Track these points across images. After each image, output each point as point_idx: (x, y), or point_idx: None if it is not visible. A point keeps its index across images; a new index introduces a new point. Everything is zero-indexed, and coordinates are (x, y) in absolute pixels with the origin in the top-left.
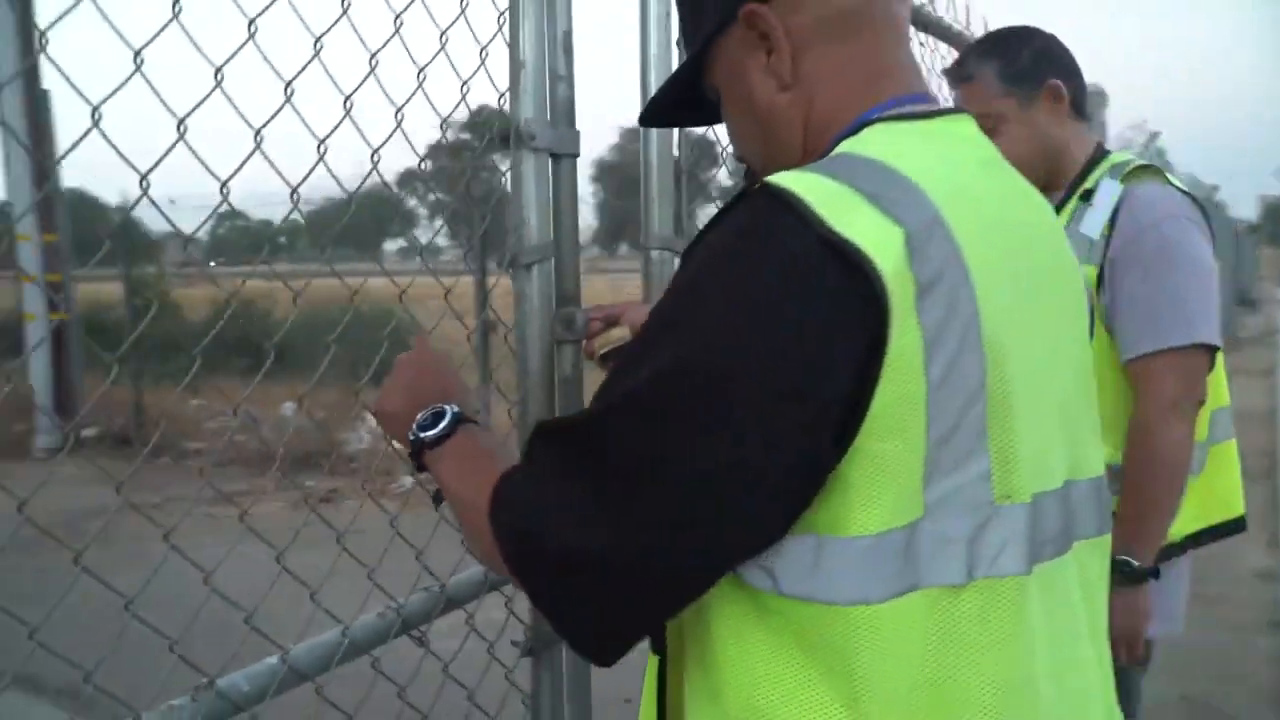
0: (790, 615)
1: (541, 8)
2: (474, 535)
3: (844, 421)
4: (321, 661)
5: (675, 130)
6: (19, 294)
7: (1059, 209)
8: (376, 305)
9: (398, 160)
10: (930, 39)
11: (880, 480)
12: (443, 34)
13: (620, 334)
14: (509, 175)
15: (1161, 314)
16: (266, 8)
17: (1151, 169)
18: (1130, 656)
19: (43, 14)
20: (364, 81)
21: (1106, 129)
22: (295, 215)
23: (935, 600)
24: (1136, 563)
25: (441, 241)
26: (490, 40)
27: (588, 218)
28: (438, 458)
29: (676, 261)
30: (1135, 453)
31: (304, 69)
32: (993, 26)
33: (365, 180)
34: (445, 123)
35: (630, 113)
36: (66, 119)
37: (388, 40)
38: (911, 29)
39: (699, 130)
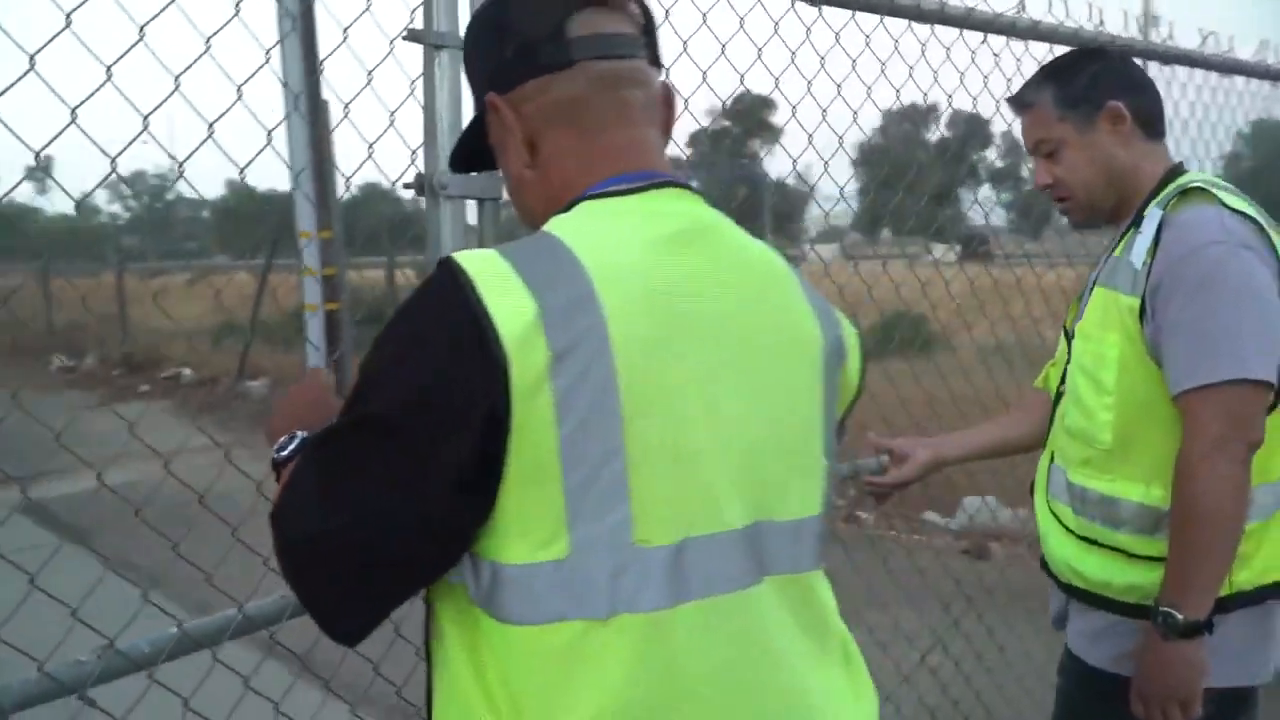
0: (477, 621)
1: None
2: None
3: (474, 478)
4: (213, 636)
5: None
6: (300, 287)
7: (1123, 236)
8: None
9: None
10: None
11: (527, 521)
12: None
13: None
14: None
15: (1206, 346)
16: None
17: (1202, 191)
18: (1186, 714)
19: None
20: None
21: None
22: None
23: (584, 630)
24: (1180, 616)
25: None
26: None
27: None
28: (279, 476)
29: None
30: (1177, 497)
31: None
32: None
33: None
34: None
35: None
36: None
37: None
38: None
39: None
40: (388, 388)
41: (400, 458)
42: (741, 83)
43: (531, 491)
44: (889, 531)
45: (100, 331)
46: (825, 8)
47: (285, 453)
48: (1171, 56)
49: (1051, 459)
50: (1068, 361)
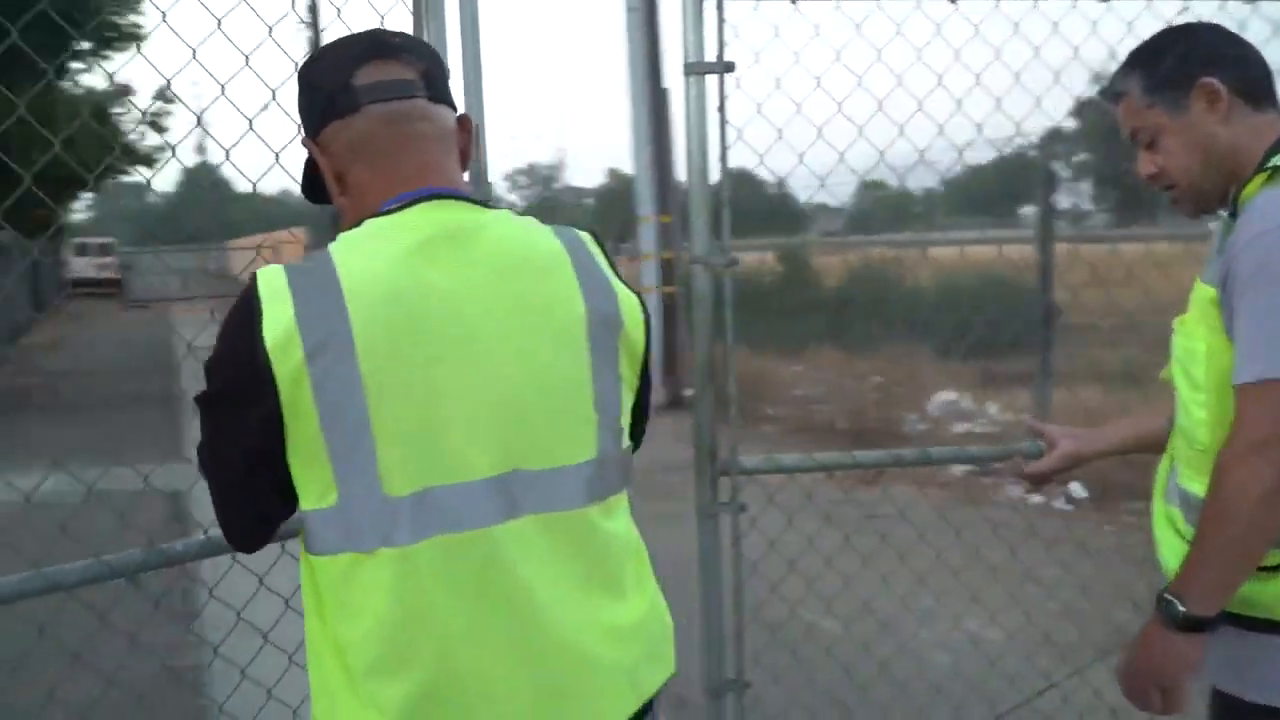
0: (312, 559)
1: None
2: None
3: (268, 445)
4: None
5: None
6: (638, 270)
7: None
8: (1000, 274)
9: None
10: None
11: (308, 479)
12: None
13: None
14: None
15: (1259, 340)
16: None
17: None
18: (1167, 705)
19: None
20: None
21: None
22: (934, 184)
23: (355, 560)
24: (1182, 608)
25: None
26: None
27: None
28: None
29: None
30: (1208, 490)
31: None
32: None
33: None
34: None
35: None
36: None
37: None
38: None
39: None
40: (210, 377)
41: (220, 427)
42: None
43: (306, 459)
44: None
45: None
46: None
47: None
48: None
49: (1171, 459)
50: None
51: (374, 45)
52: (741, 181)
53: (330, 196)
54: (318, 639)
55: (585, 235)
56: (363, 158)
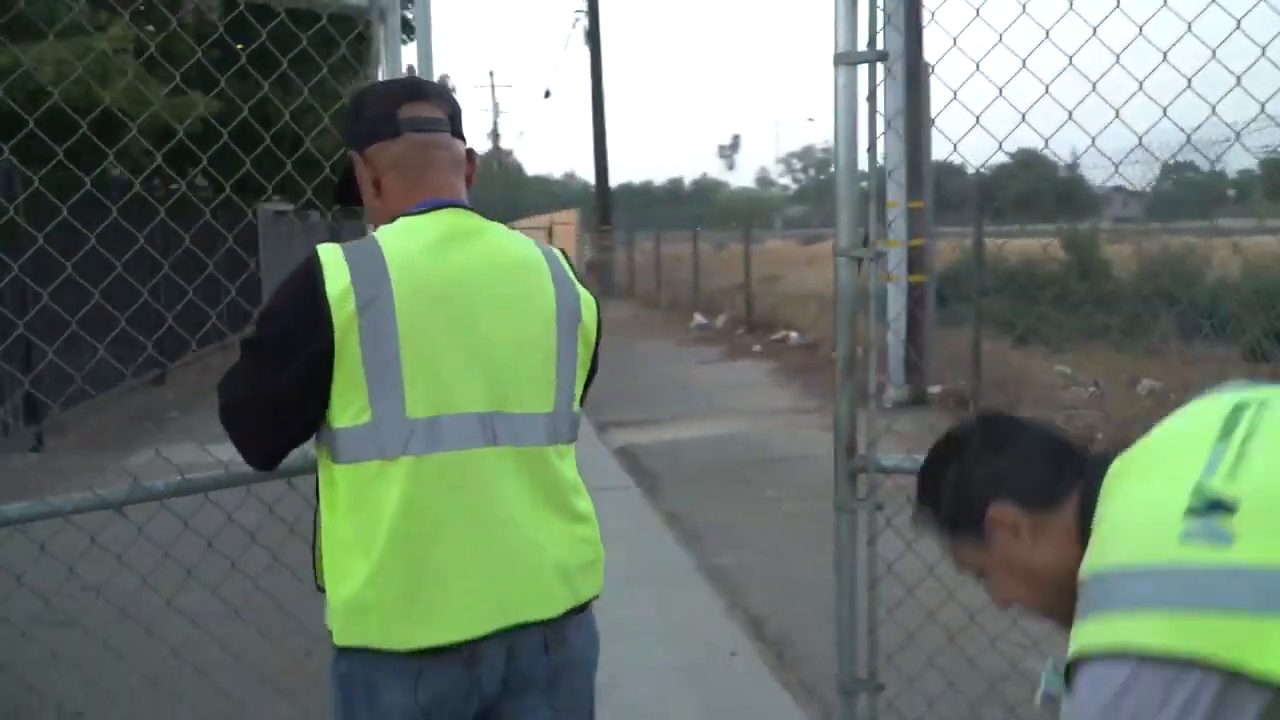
0: (335, 466)
1: None
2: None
3: (319, 374)
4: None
5: (862, 152)
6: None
7: None
8: None
9: None
10: None
11: (348, 402)
12: None
13: None
14: None
15: None
16: None
17: None
18: None
19: None
20: None
21: None
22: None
23: (382, 466)
24: None
25: None
26: None
27: None
28: None
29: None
30: None
31: None
32: None
33: None
34: None
35: None
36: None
37: None
38: None
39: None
40: (267, 323)
41: (275, 362)
42: None
43: (347, 387)
44: None
45: (734, 294)
46: None
47: None
48: None
49: None
50: None
51: (414, 89)
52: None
53: (363, 199)
54: (335, 526)
55: (559, 251)
56: (397, 171)
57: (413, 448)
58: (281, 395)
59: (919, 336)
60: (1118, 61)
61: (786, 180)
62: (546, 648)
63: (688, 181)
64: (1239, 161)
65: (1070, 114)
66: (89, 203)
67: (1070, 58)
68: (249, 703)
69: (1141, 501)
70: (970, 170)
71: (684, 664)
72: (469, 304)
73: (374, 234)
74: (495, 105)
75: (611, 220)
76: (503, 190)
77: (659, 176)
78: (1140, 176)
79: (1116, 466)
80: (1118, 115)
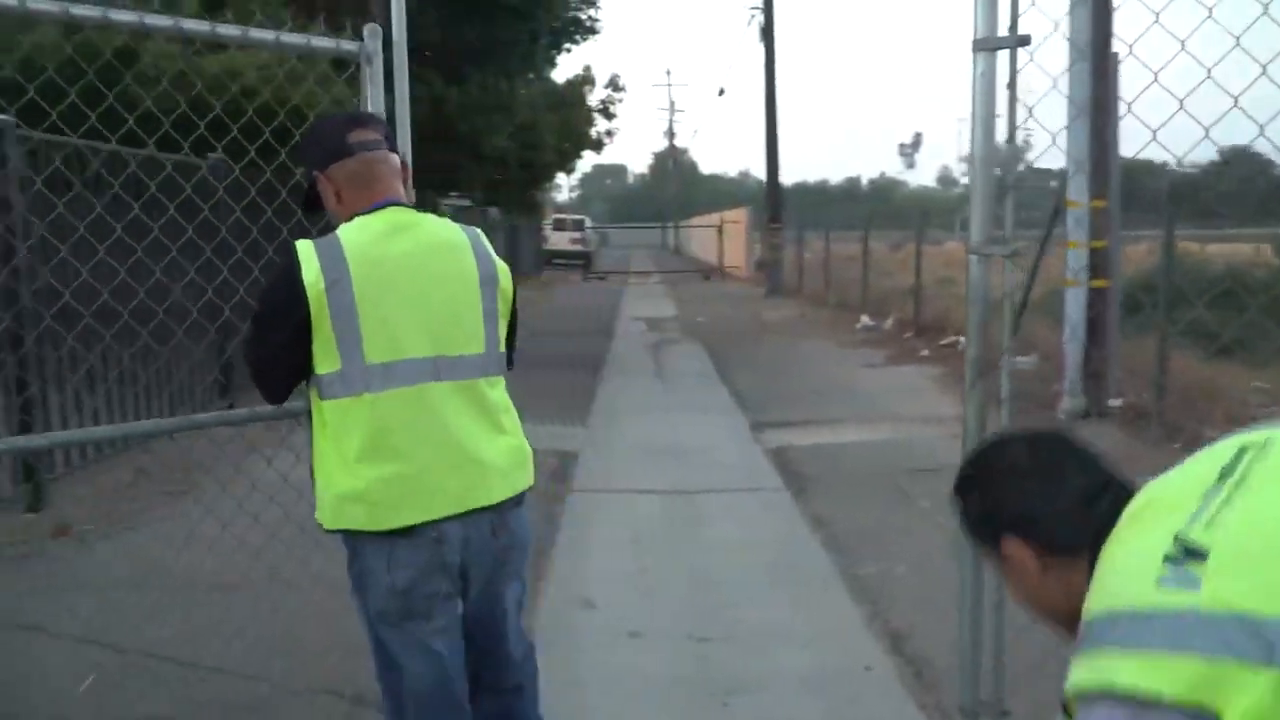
0: (321, 402)
1: None
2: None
3: (302, 336)
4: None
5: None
6: (1062, 259)
7: None
8: None
9: None
10: None
11: (323, 356)
12: None
13: None
14: None
15: None
16: None
17: None
18: None
19: None
20: None
21: None
22: None
23: (352, 401)
24: None
25: None
26: None
27: None
28: None
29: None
30: None
31: None
32: None
33: None
34: None
35: None
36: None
37: None
38: None
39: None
40: (264, 300)
41: (273, 326)
42: None
43: (323, 344)
44: None
45: (905, 296)
46: None
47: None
48: None
49: None
50: None
51: (356, 119)
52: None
53: (326, 206)
54: (323, 445)
55: (479, 230)
56: (351, 183)
57: (372, 387)
58: (278, 352)
59: (1101, 345)
60: None
61: (969, 180)
62: (494, 532)
63: (865, 180)
64: None
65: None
66: (280, 196)
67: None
68: None
69: (1134, 548)
70: (1172, 164)
71: (815, 673)
72: (411, 278)
73: (336, 231)
74: (671, 104)
75: (781, 219)
76: (677, 189)
77: (836, 175)
78: None
79: (1128, 509)
80: None
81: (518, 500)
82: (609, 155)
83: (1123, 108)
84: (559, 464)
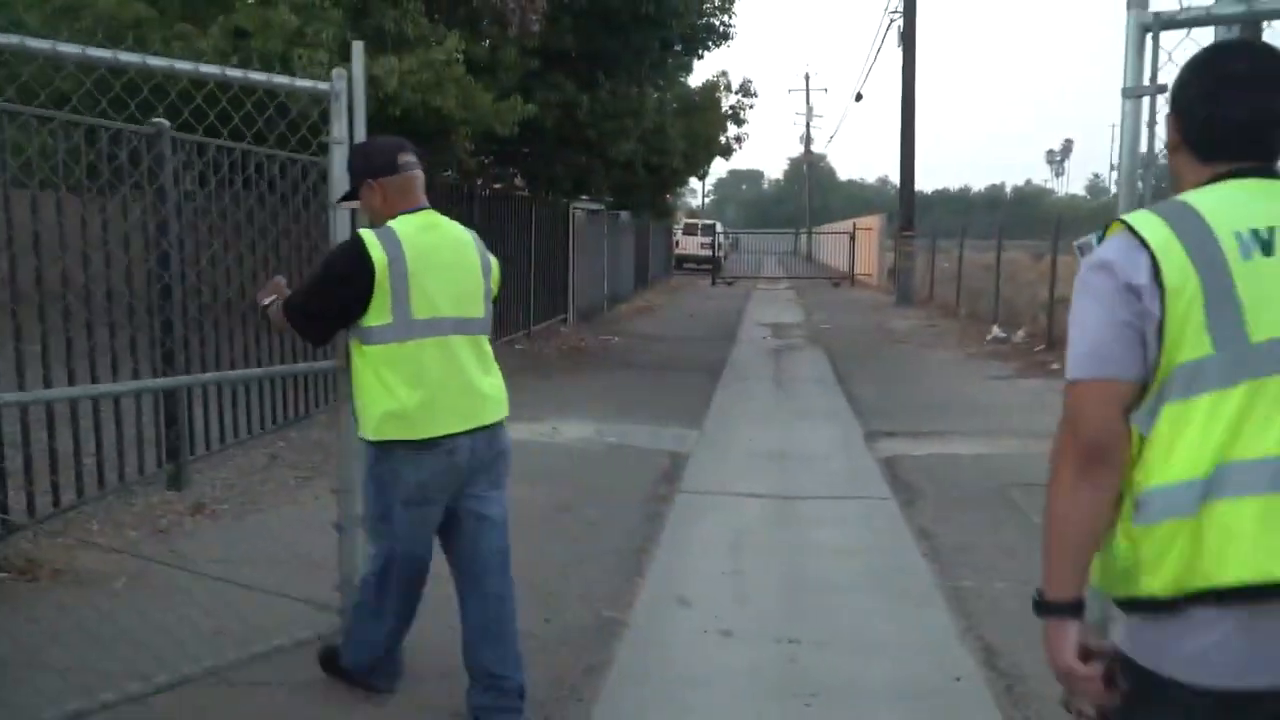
0: (365, 347)
1: None
2: (285, 326)
3: (366, 296)
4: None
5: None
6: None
7: None
8: None
9: None
10: None
11: (377, 310)
12: None
13: None
14: None
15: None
16: None
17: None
18: (1066, 686)
19: None
20: None
21: None
22: None
23: (398, 346)
24: (1036, 595)
25: None
26: None
27: None
28: (270, 310)
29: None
30: None
31: None
32: None
33: None
34: None
35: None
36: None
37: None
38: None
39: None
40: (333, 267)
41: (337, 289)
42: None
43: (380, 303)
44: None
45: (1039, 308)
46: None
47: (266, 302)
48: None
49: None
50: None
51: (402, 145)
52: None
53: (370, 206)
54: (367, 378)
55: (474, 233)
56: (397, 192)
57: (414, 335)
58: (346, 305)
59: None
60: None
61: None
62: (490, 444)
63: (1009, 188)
64: None
65: None
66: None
67: None
68: None
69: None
70: None
71: (903, 681)
72: (441, 261)
73: (389, 224)
74: (809, 109)
75: (913, 226)
76: (812, 194)
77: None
78: None
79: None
80: None
81: (501, 423)
82: (745, 160)
83: None
84: (670, 465)
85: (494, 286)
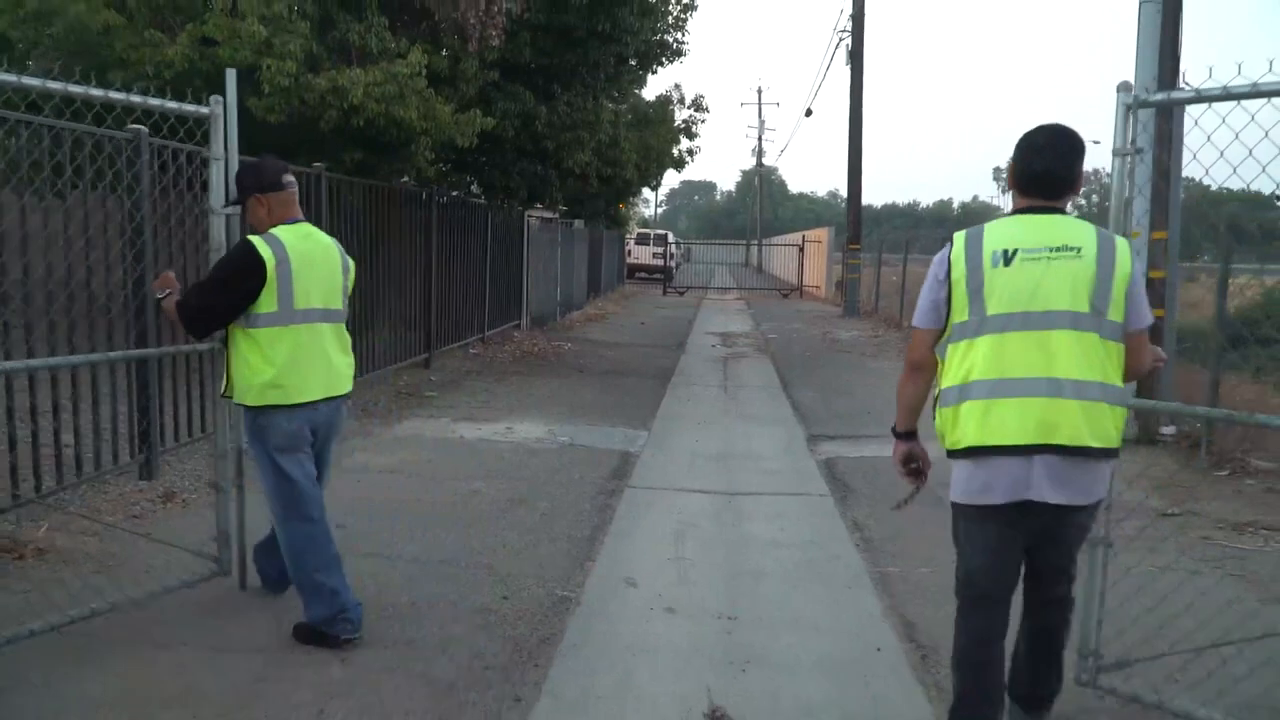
0: (252, 330)
1: None
2: (178, 320)
3: (256, 293)
4: None
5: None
6: None
7: None
8: None
9: None
10: None
11: (265, 302)
12: None
13: None
14: None
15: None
16: None
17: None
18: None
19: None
20: None
21: None
22: None
23: (282, 330)
24: (893, 428)
25: None
26: None
27: None
28: (164, 302)
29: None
30: None
31: None
32: None
33: None
34: None
35: None
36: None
37: None
38: None
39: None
40: (227, 266)
41: (232, 285)
42: None
43: (268, 296)
44: None
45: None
46: None
47: (161, 295)
48: None
49: None
50: None
51: (284, 167)
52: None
53: (254, 218)
54: (250, 355)
55: (336, 240)
56: (280, 205)
57: (294, 321)
58: (234, 301)
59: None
60: None
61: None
62: (337, 410)
63: (956, 204)
64: None
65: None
66: (383, 206)
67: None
68: None
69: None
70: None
71: (830, 652)
72: (315, 263)
73: (273, 232)
74: (761, 122)
75: (860, 240)
76: (763, 206)
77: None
78: None
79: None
80: None
81: (348, 396)
82: (698, 171)
83: (1187, 155)
84: (620, 463)
85: (350, 284)
